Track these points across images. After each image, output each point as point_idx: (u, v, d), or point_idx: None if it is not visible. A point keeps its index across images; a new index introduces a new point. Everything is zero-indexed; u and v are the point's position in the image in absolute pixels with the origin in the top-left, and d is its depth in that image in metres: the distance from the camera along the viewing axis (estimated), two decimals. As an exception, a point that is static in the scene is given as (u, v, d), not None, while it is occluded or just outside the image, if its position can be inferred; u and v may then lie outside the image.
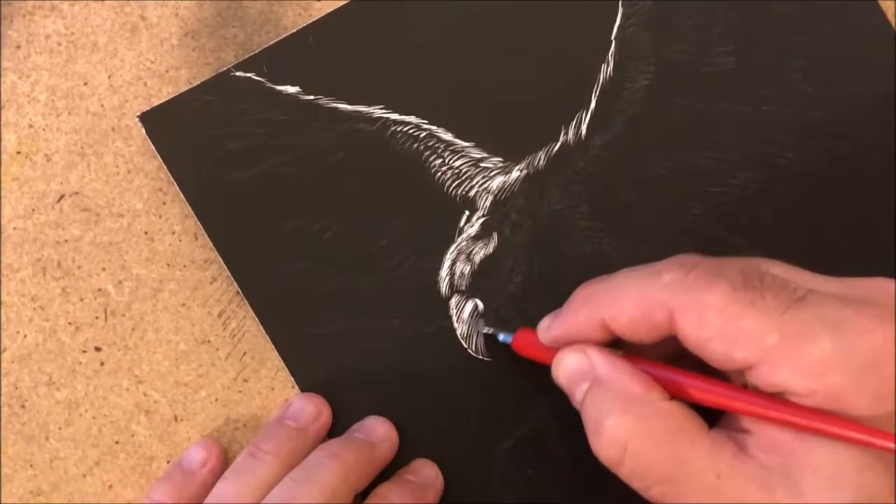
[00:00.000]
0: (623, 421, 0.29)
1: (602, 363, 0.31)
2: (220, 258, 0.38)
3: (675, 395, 0.30)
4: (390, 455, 0.37)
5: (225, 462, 0.37)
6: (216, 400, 0.38)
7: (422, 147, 0.38)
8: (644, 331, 0.30)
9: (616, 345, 0.32)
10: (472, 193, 0.38)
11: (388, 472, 0.37)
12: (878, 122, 0.38)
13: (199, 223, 0.38)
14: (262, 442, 0.36)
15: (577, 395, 0.31)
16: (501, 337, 0.36)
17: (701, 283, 0.28)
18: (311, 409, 0.37)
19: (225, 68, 0.38)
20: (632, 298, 0.30)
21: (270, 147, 0.38)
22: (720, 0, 0.38)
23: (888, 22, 0.38)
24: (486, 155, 0.38)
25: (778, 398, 0.28)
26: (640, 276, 0.30)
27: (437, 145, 0.38)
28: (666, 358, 0.32)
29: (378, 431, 0.37)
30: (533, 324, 0.37)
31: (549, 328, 0.33)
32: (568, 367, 0.32)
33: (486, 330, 0.37)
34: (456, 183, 0.38)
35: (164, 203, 0.38)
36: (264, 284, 0.37)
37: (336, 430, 0.37)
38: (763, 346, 0.27)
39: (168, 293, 0.38)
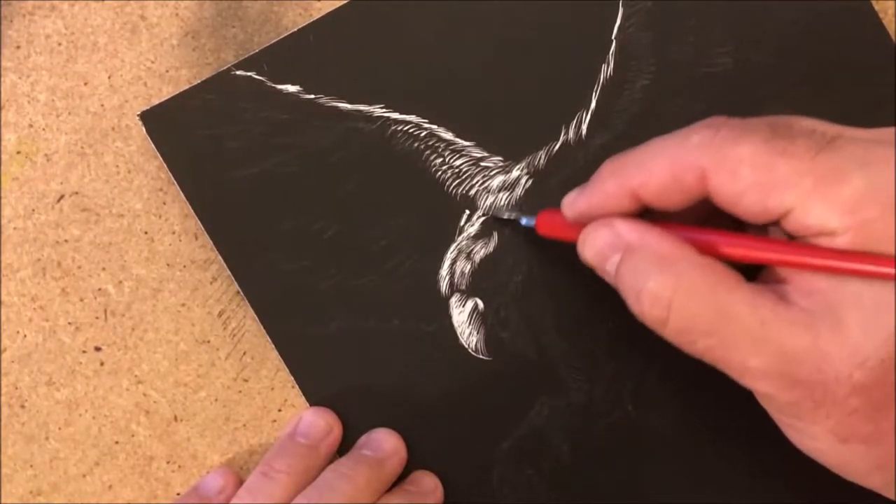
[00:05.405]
0: (663, 280, 0.29)
1: (630, 231, 0.30)
2: (220, 258, 0.38)
3: (707, 253, 0.29)
4: (399, 469, 0.37)
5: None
6: (216, 400, 0.38)
7: (422, 146, 0.38)
8: (675, 196, 0.29)
9: (643, 217, 0.31)
10: (472, 193, 0.38)
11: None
12: (878, 124, 0.38)
13: (199, 223, 0.38)
14: (273, 460, 0.35)
15: (609, 268, 0.31)
16: (524, 221, 0.36)
17: (730, 139, 0.28)
18: (322, 425, 0.37)
19: (225, 68, 0.38)
20: (662, 163, 0.29)
21: (270, 146, 0.38)
22: (720, 0, 0.38)
23: (881, 23, 0.38)
24: (486, 154, 0.38)
25: (811, 244, 0.28)
26: (669, 141, 0.30)
27: (437, 144, 0.38)
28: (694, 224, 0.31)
29: (386, 446, 0.36)
30: (534, 325, 0.37)
31: (574, 202, 0.32)
32: (597, 242, 0.31)
33: (506, 215, 0.37)
34: (456, 182, 0.38)
35: (164, 203, 0.38)
36: (264, 284, 0.37)
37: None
38: (797, 190, 0.27)
39: (168, 293, 0.38)
